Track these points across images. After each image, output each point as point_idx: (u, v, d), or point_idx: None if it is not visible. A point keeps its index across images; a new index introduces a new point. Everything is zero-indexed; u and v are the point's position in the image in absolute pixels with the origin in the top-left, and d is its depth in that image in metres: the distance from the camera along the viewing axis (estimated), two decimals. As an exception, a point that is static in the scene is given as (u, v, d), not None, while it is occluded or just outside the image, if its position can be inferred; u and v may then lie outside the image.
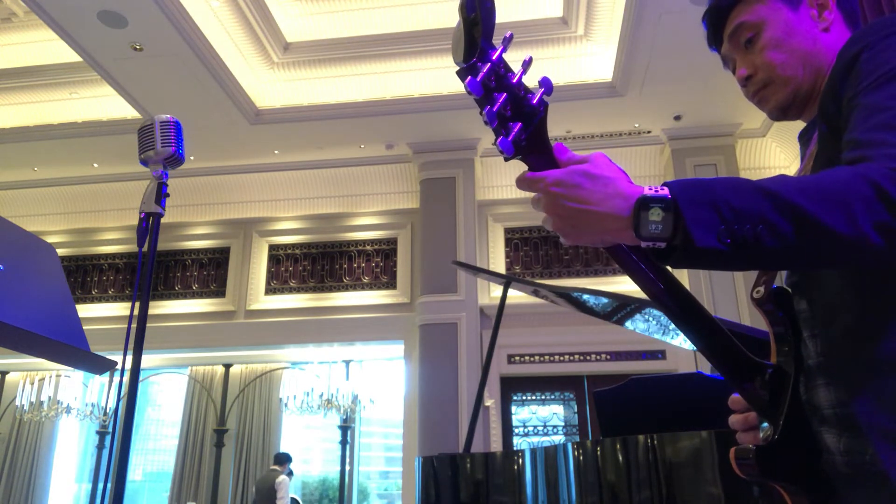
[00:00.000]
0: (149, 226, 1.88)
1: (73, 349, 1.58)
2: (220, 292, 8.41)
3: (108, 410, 7.95)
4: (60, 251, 8.43)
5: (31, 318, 1.50)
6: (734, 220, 0.76)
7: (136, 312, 1.81)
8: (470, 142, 7.80)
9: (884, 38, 0.92)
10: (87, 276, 8.78)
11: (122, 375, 1.80)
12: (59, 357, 1.64)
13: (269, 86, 7.26)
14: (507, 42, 0.81)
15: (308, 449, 8.87)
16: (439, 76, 7.01)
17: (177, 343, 8.08)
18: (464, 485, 2.83)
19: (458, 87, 7.01)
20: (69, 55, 6.64)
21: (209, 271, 8.56)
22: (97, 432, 8.32)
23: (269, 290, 8.30)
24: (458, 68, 0.82)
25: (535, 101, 0.83)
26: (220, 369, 8.42)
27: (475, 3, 0.79)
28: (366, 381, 7.74)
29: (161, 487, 8.51)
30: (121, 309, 8.41)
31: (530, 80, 0.83)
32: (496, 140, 0.82)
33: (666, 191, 0.79)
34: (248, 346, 8.14)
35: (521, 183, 0.85)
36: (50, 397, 7.56)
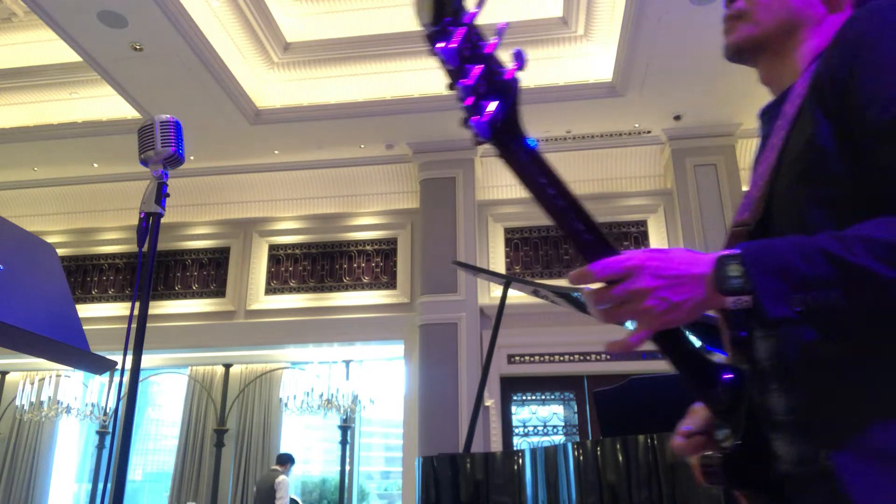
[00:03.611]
0: (149, 226, 1.88)
1: (73, 349, 1.58)
2: (220, 292, 8.41)
3: (108, 410, 7.95)
4: (60, 251, 8.43)
5: (31, 318, 1.50)
6: (804, 288, 0.74)
7: (136, 312, 1.81)
8: (470, 142, 7.79)
9: None
10: (87, 276, 8.78)
11: (122, 375, 1.80)
12: (59, 357, 1.64)
13: (269, 86, 7.26)
14: (482, 3, 0.73)
15: (308, 449, 8.87)
16: (439, 76, 7.00)
17: (177, 343, 8.08)
18: (464, 485, 2.83)
19: (458, 87, 6.99)
20: (69, 55, 6.64)
21: (209, 271, 8.56)
22: (97, 432, 8.32)
23: (269, 290, 8.31)
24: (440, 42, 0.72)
25: (509, 76, 0.75)
26: (220, 369, 8.42)
27: None
28: (366, 381, 7.74)
29: (161, 487, 8.51)
30: (121, 309, 8.41)
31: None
32: (468, 119, 0.74)
33: (738, 250, 0.78)
34: (248, 346, 8.14)
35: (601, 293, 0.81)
36: (50, 397, 7.56)
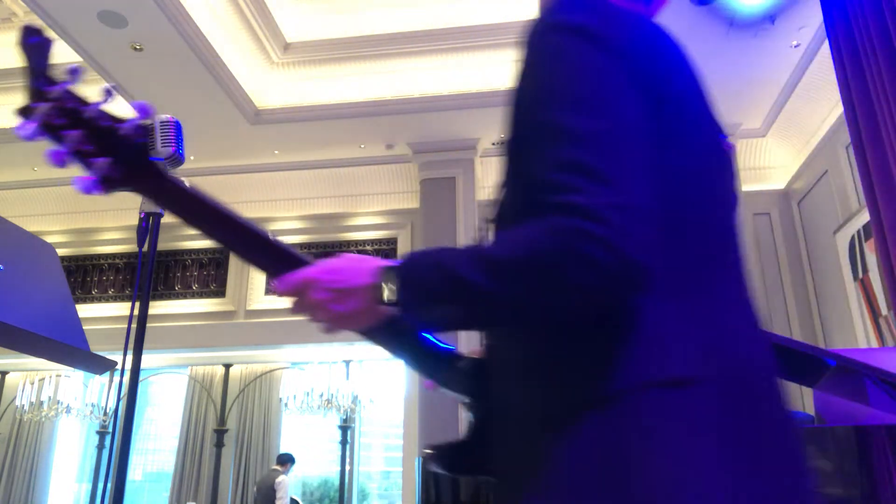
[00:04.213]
0: (149, 226, 1.88)
1: (73, 349, 1.58)
2: (220, 292, 8.41)
3: (108, 410, 7.95)
4: (60, 251, 8.42)
5: (31, 318, 1.50)
6: (434, 302, 0.78)
7: (136, 312, 1.81)
8: (470, 142, 7.80)
9: (572, 34, 0.79)
10: (87, 276, 8.78)
11: (122, 375, 1.80)
12: (59, 357, 1.64)
13: (269, 86, 7.25)
14: (75, 75, 0.81)
15: (308, 449, 8.87)
16: (439, 76, 7.00)
17: (177, 343, 8.08)
18: (464, 485, 2.83)
19: (458, 87, 7.01)
20: (69, 55, 6.64)
21: (209, 271, 8.56)
22: (97, 432, 8.32)
23: (270, 290, 8.30)
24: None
25: (125, 131, 0.83)
26: (220, 369, 8.42)
27: (22, 41, 0.79)
28: (366, 381, 7.74)
29: (161, 487, 8.51)
30: (121, 309, 8.41)
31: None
32: (77, 179, 0.81)
33: (398, 262, 0.82)
34: (248, 346, 8.14)
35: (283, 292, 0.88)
36: (50, 397, 7.56)
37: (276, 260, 0.91)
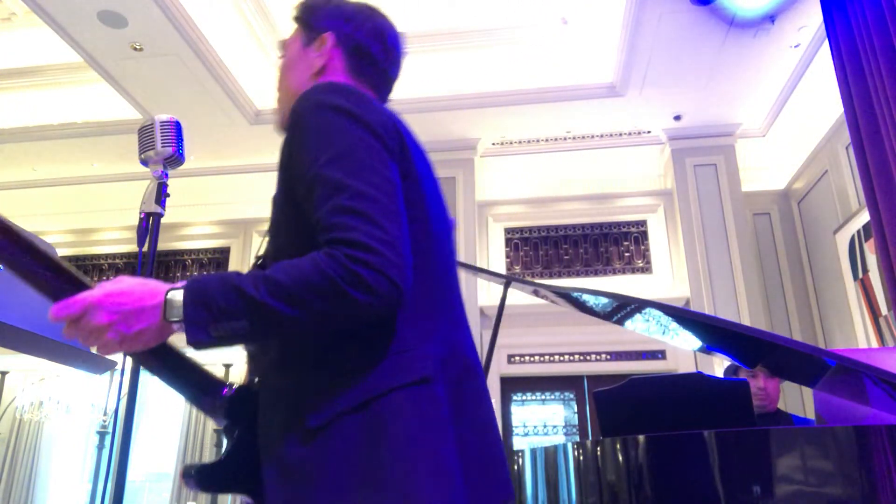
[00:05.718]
0: (149, 226, 1.88)
1: (73, 349, 1.58)
2: (220, 292, 8.40)
3: (108, 410, 7.95)
4: (60, 251, 8.42)
5: (31, 318, 1.50)
6: (220, 318, 0.88)
7: (136, 312, 1.81)
8: (470, 142, 7.80)
9: (336, 112, 0.99)
10: (87, 276, 8.75)
11: (122, 375, 1.80)
12: (59, 357, 1.64)
13: (269, 86, 7.25)
14: None
15: (308, 449, 8.89)
16: (439, 76, 7.00)
17: (177, 343, 8.07)
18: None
19: (458, 87, 7.01)
20: (69, 55, 6.64)
21: (209, 271, 8.56)
22: (97, 432, 8.31)
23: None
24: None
25: None
26: (220, 369, 8.42)
27: None
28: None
29: (161, 487, 8.51)
30: (121, 309, 8.40)
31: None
32: None
33: (181, 284, 0.92)
34: (248, 346, 8.13)
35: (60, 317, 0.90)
36: (50, 397, 7.56)
37: (59, 281, 0.94)
